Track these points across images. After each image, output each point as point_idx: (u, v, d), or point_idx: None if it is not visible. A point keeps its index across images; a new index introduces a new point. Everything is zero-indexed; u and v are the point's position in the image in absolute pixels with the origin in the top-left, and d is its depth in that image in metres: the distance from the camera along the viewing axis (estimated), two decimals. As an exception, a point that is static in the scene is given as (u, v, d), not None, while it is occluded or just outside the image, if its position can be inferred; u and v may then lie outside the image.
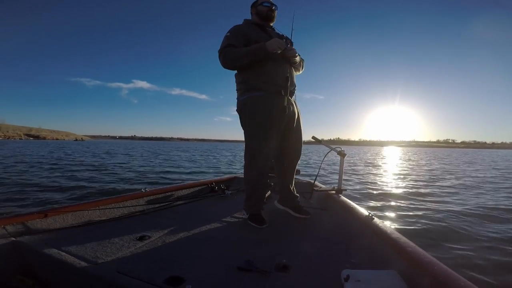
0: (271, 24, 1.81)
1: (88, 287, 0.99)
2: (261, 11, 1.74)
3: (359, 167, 11.12)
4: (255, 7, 1.77)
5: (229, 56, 1.58)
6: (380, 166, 12.45)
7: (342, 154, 2.03)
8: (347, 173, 8.42)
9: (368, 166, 12.19)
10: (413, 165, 13.65)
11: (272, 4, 1.75)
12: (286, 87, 1.60)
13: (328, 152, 2.17)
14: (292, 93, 1.73)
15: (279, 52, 1.55)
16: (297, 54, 1.66)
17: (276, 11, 1.77)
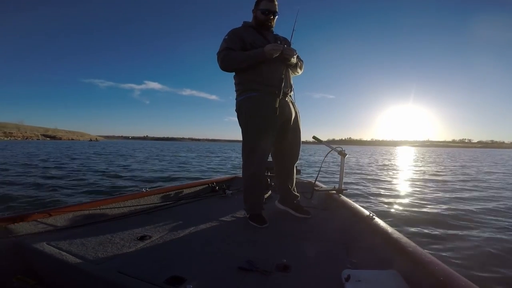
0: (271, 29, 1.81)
1: (89, 287, 1.00)
2: (259, 18, 1.72)
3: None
4: (256, 9, 1.74)
5: (227, 59, 1.62)
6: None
7: (342, 154, 2.02)
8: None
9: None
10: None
11: (270, 12, 1.70)
12: (280, 88, 1.60)
13: (329, 152, 2.16)
14: (286, 94, 1.72)
15: (276, 55, 1.57)
16: (294, 55, 1.66)
17: (275, 19, 1.75)
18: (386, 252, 1.05)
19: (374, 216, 1.34)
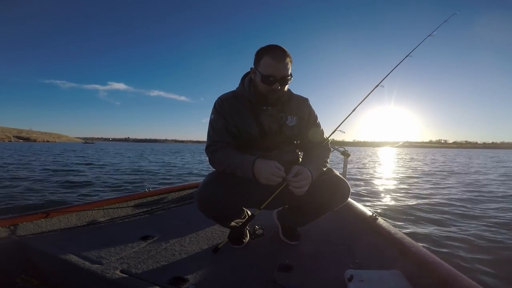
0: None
1: (92, 287, 0.99)
2: (260, 87, 1.11)
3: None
4: (255, 69, 1.11)
5: (212, 161, 1.18)
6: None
7: (345, 154, 2.02)
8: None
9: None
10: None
11: (276, 80, 1.05)
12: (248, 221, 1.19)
13: (331, 152, 2.17)
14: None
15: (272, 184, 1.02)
16: (305, 186, 1.01)
17: (285, 87, 1.12)
18: (389, 252, 1.07)
19: (377, 216, 1.36)
